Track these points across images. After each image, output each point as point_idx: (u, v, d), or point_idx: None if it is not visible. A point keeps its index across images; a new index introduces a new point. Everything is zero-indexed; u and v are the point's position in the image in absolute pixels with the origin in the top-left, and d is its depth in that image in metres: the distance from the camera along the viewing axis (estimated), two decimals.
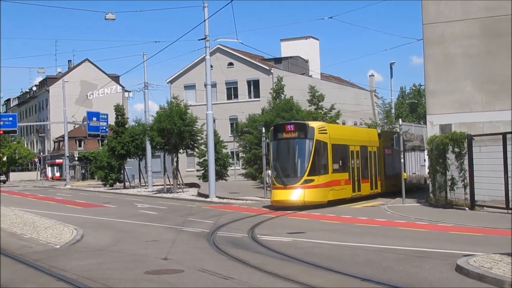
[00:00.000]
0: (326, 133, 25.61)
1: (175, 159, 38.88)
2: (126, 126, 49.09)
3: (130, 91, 56.66)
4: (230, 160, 53.04)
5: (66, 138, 63.05)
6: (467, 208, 21.45)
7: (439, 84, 25.83)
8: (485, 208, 21.15)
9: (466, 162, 21.86)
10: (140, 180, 50.42)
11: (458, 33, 25.35)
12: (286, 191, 24.11)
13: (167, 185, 40.26)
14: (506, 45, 24.06)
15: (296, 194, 24.08)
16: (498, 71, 24.42)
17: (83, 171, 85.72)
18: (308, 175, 24.31)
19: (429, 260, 11.99)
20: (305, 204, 24.12)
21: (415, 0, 28.17)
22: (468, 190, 21.72)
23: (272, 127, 26.79)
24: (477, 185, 21.21)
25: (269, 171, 30.39)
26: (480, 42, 25.00)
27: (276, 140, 25.54)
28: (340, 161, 26.48)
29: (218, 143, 46.55)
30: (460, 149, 22.19)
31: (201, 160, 48.56)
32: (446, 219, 19.16)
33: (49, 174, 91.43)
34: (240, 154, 49.25)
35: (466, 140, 21.87)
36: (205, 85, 33.85)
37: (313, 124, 26.19)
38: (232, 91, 62.80)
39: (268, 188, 30.78)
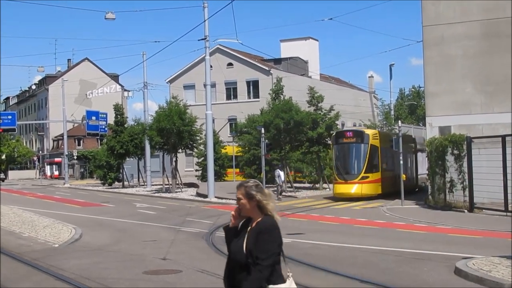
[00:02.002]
0: (377, 138, 30.24)
1: (174, 159, 38.86)
2: (125, 125, 49.01)
3: (129, 91, 56.64)
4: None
5: (65, 137, 62.97)
6: (466, 210, 21.45)
7: (439, 85, 25.81)
8: (484, 210, 21.14)
9: (465, 164, 21.86)
10: (139, 180, 50.34)
11: (457, 34, 25.32)
12: (347, 185, 28.89)
13: (165, 184, 40.22)
14: (506, 46, 24.05)
15: (355, 188, 28.78)
16: (497, 73, 24.41)
17: (82, 170, 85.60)
18: (364, 173, 29.07)
19: (428, 262, 11.99)
20: (362, 196, 28.41)
21: (415, 1, 28.21)
22: (467, 192, 21.72)
23: (334, 133, 31.90)
24: (476, 187, 21.20)
25: (278, 171, 30.03)
26: (480, 43, 24.98)
27: (338, 144, 30.44)
28: (387, 162, 31.14)
29: (217, 143, 46.56)
30: (459, 151, 22.18)
31: (200, 160, 48.51)
32: (445, 221, 19.15)
33: (48, 173, 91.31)
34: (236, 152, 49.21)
35: (466, 142, 21.87)
36: (205, 85, 33.82)
37: (368, 131, 31.65)
38: (231, 91, 62.69)
39: (275, 192, 30.83)
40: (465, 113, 24.96)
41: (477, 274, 10.07)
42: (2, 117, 54.72)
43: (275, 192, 30.77)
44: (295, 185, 37.10)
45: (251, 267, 4.41)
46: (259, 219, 4.55)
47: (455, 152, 22.41)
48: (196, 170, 50.76)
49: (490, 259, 11.22)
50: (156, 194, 37.70)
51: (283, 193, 30.74)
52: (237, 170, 49.92)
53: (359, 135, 30.08)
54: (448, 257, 12.42)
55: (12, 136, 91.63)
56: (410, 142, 35.13)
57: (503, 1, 24.27)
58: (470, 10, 25.10)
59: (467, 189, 21.71)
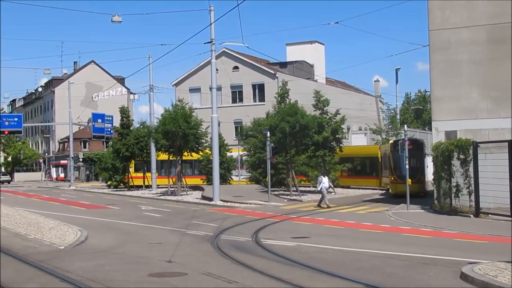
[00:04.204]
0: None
1: (179, 162, 38.89)
2: (131, 128, 49.11)
3: (135, 93, 56.71)
4: (235, 164, 52.89)
5: (71, 139, 63.15)
6: (472, 215, 21.39)
7: (445, 90, 25.78)
8: (490, 215, 21.07)
9: (471, 169, 21.78)
10: (144, 182, 50.38)
11: (464, 39, 25.30)
12: (404, 185, 30.62)
13: (171, 187, 40.28)
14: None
15: (412, 187, 30.52)
16: (503, 78, 24.35)
17: (87, 172, 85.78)
18: (420, 174, 33.72)
19: (434, 267, 11.96)
20: (417, 193, 31.48)
21: (422, 6, 28.24)
22: (473, 197, 21.64)
23: (392, 141, 37.29)
24: (482, 192, 21.13)
25: (321, 177, 29.05)
26: (486, 48, 24.94)
27: (396, 151, 34.19)
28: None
29: (222, 146, 46.59)
30: (465, 156, 22.12)
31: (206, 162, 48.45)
32: (450, 226, 19.10)
33: (54, 175, 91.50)
34: (244, 158, 49.24)
35: (472, 147, 21.80)
36: (210, 88, 33.88)
37: (421, 140, 37.11)
38: (237, 95, 62.71)
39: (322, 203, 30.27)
40: (471, 118, 24.93)
41: (483, 279, 10.05)
42: (8, 119, 54.88)
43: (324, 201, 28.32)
44: (300, 189, 37.09)
45: None
46: None
47: (461, 156, 22.35)
48: (202, 173, 50.68)
49: (496, 264, 11.19)
50: (162, 197, 37.74)
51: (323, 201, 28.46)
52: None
53: (415, 143, 33.88)
54: (453, 262, 12.40)
55: (18, 138, 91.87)
56: None
57: (509, 7, 24.22)
58: (476, 15, 25.08)
59: (473, 194, 21.64)
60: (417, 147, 34.09)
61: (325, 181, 28.81)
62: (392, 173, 34.72)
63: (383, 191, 38.77)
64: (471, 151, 21.83)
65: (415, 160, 33.30)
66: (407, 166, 26.40)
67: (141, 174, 48.92)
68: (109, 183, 52.54)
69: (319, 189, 28.72)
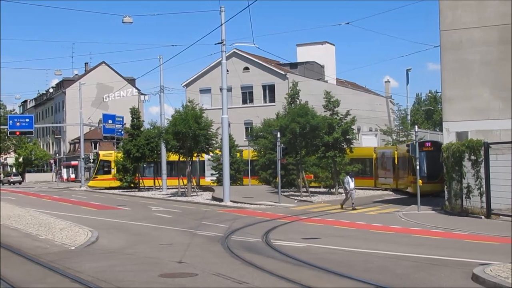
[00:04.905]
0: None
1: (189, 163, 38.96)
2: (142, 129, 49.24)
3: (146, 94, 56.89)
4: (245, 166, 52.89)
5: (81, 140, 63.41)
6: (483, 217, 21.28)
7: (456, 91, 25.64)
8: (501, 216, 20.95)
9: (482, 170, 21.66)
10: (154, 183, 50.50)
11: (475, 39, 25.15)
12: (427, 185, 32.75)
13: (181, 188, 40.33)
14: None
15: (435, 186, 33.06)
16: None
17: None
18: (441, 175, 33.48)
19: (445, 268, 11.91)
20: (438, 192, 31.96)
21: (433, 6, 28.12)
22: (484, 198, 21.54)
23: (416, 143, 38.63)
24: (494, 194, 21.01)
25: (348, 178, 28.66)
26: (497, 48, 24.78)
27: (419, 152, 33.70)
28: None
29: (233, 147, 46.57)
30: (477, 156, 22.01)
31: (215, 164, 48.60)
32: (461, 227, 19.02)
33: (65, 176, 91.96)
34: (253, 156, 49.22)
35: (483, 148, 21.69)
36: (221, 89, 33.91)
37: (441, 142, 37.30)
38: (247, 96, 62.74)
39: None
40: (482, 118, 24.77)
41: (494, 280, 9.99)
42: (19, 120, 55.16)
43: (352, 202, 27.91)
44: (310, 189, 37.05)
45: None
46: None
47: (472, 157, 22.24)
48: (212, 174, 50.73)
49: (507, 265, 11.12)
50: (172, 198, 37.80)
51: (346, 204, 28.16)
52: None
53: (436, 145, 34.74)
54: (465, 263, 12.34)
55: (29, 139, 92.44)
56: None
57: None
58: (487, 15, 24.92)
59: (484, 195, 21.53)
60: (438, 148, 34.37)
61: (350, 182, 28.24)
62: (414, 173, 34.84)
63: (385, 191, 39.67)
64: (482, 152, 21.72)
65: (437, 161, 33.60)
66: (417, 167, 26.34)
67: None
68: (89, 184, 53.94)
69: (352, 188, 28.21)
